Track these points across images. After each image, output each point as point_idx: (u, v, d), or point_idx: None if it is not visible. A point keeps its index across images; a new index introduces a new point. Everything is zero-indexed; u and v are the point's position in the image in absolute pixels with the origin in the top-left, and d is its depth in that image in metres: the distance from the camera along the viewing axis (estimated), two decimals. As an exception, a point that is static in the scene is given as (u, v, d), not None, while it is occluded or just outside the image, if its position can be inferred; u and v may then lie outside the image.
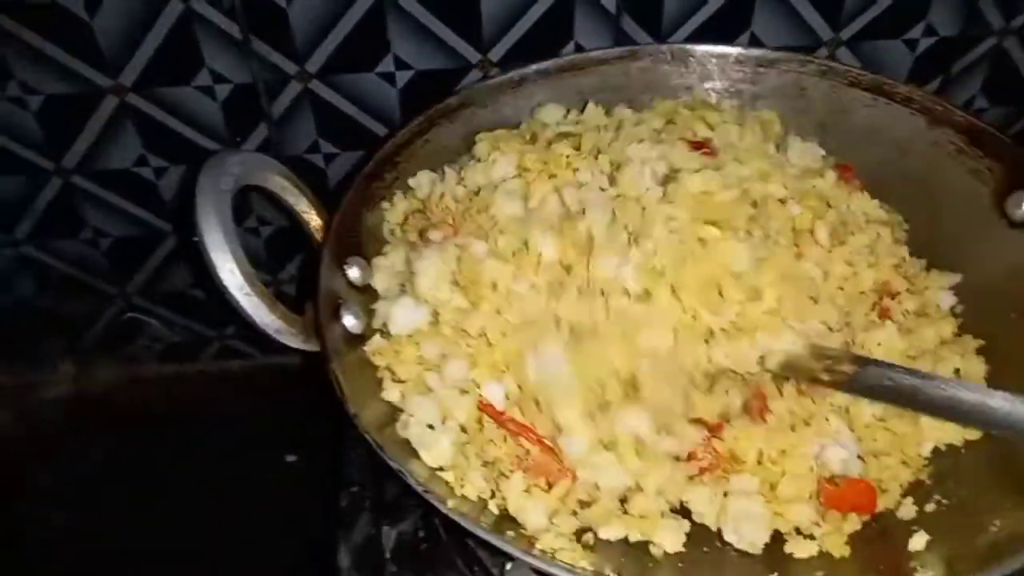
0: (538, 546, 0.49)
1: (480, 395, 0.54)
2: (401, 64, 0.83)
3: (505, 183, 0.63)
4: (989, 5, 0.84)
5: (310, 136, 0.88)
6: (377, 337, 0.58)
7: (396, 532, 0.66)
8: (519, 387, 0.55)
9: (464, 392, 0.55)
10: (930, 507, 0.56)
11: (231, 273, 0.49)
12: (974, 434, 0.59)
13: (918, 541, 0.53)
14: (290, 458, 0.99)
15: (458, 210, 0.62)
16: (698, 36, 0.84)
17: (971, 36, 0.87)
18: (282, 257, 0.99)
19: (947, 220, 0.69)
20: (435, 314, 0.58)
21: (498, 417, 0.53)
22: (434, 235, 0.61)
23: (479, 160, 0.68)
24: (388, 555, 0.65)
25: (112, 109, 0.83)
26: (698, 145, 0.67)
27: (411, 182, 0.68)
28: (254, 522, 0.93)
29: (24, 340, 0.99)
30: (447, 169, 0.68)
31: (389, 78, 0.84)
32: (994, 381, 0.61)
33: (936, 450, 0.59)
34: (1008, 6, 0.84)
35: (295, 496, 0.92)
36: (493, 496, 0.52)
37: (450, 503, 0.48)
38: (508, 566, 0.59)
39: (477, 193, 0.63)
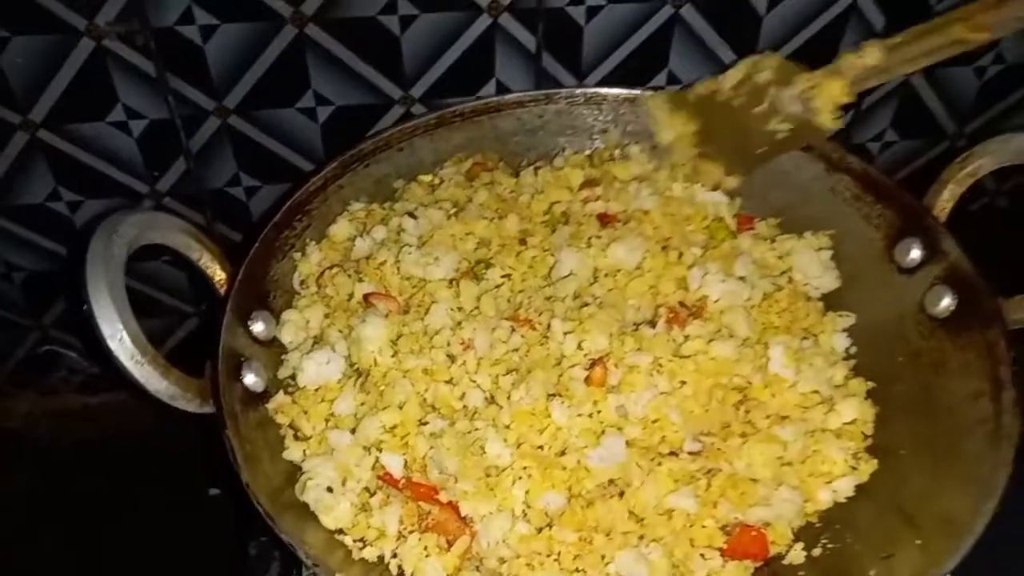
0: None
1: (380, 463, 0.55)
2: (321, 100, 0.83)
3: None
4: (897, 45, 0.87)
5: (231, 170, 0.88)
6: (280, 394, 0.58)
7: (309, 576, 0.66)
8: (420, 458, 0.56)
9: (367, 451, 0.55)
10: (817, 551, 0.57)
11: (120, 343, 0.48)
12: (864, 478, 0.61)
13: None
14: (213, 491, 0.98)
15: (401, 286, 0.63)
16: (617, 74, 0.86)
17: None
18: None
19: (844, 263, 0.71)
20: (353, 371, 0.59)
21: (396, 485, 0.54)
22: (379, 303, 0.62)
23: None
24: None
25: (22, 144, 0.81)
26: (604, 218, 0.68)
27: (330, 231, 0.68)
28: (176, 554, 0.92)
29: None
30: (379, 230, 0.68)
31: (310, 113, 0.84)
32: (883, 424, 0.63)
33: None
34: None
35: (216, 530, 0.92)
36: (395, 556, 0.53)
37: None
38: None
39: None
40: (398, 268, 0.65)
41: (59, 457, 1.02)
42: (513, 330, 0.59)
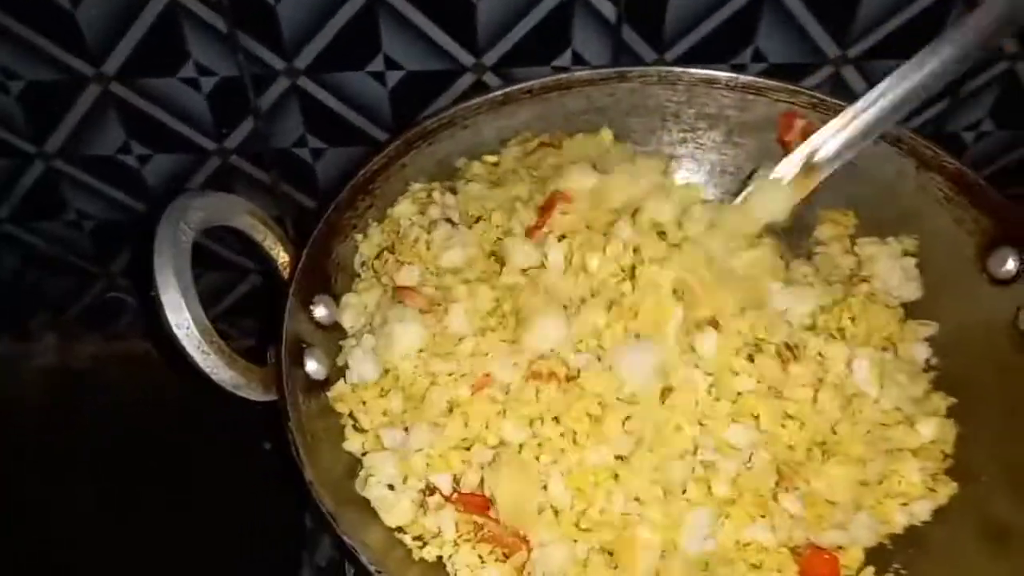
0: None
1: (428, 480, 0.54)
2: (392, 64, 0.81)
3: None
4: (1007, 28, 0.81)
5: (297, 131, 0.87)
6: (340, 383, 0.58)
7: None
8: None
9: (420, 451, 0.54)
10: (888, 576, 0.56)
11: (188, 332, 0.48)
12: (942, 500, 0.58)
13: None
14: (267, 445, 1.00)
15: (433, 285, 0.61)
16: (700, 49, 0.81)
17: (982, 59, 0.83)
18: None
19: (929, 268, 0.67)
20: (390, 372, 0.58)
21: (448, 498, 0.53)
22: (408, 300, 0.59)
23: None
24: (350, 577, 0.66)
25: (94, 97, 0.82)
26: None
27: (391, 211, 0.66)
28: (230, 507, 0.94)
29: (7, 314, 0.99)
30: (434, 209, 0.66)
31: (379, 77, 0.82)
32: (965, 444, 0.61)
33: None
34: (1021, 30, 0.81)
35: (269, 482, 0.93)
36: (450, 559, 0.53)
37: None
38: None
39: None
40: (428, 247, 0.63)
41: (125, 398, 1.04)
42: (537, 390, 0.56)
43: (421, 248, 0.62)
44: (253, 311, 1.02)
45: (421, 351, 0.58)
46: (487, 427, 0.54)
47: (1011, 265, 0.61)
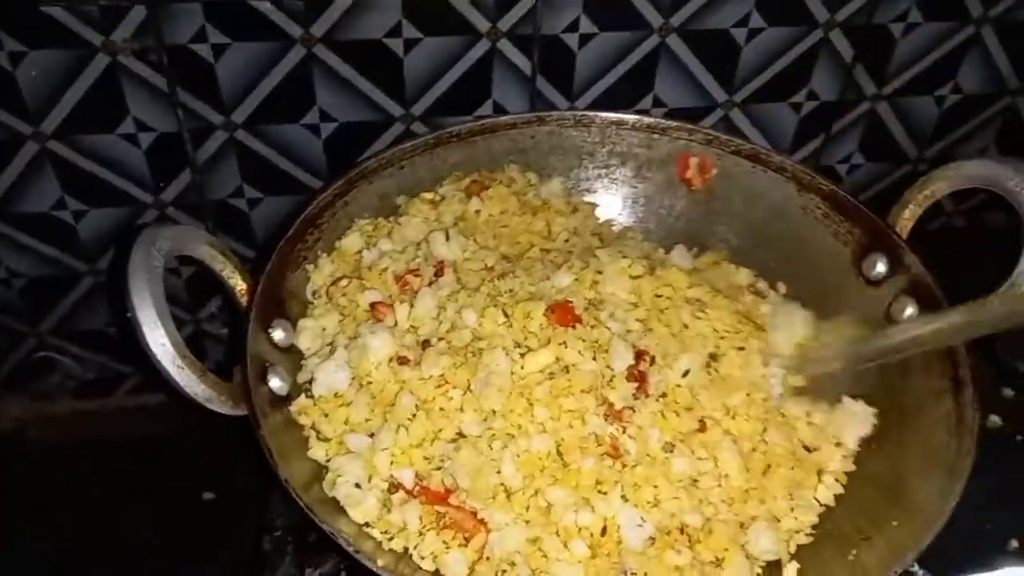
0: None
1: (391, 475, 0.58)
2: (326, 116, 0.87)
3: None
4: (863, 74, 0.94)
5: (234, 182, 0.90)
6: (303, 397, 0.62)
7: (319, 574, 0.69)
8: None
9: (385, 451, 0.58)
10: (802, 539, 0.62)
11: (163, 348, 0.51)
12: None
13: (790, 571, 0.60)
14: (207, 495, 1.00)
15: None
16: (606, 97, 0.91)
17: (848, 100, 0.96)
18: (201, 296, 1.00)
19: (815, 278, 0.76)
20: (360, 382, 0.62)
21: (410, 493, 0.58)
22: (384, 315, 0.65)
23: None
24: (311, 595, 0.68)
25: (31, 155, 0.83)
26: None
27: (340, 244, 0.71)
28: (171, 561, 0.93)
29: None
30: (385, 242, 0.72)
31: (314, 129, 0.87)
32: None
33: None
34: (879, 75, 0.94)
35: (213, 535, 0.93)
36: (416, 548, 0.56)
37: (380, 561, 0.52)
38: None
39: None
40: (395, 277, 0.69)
41: (49, 461, 1.02)
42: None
43: (387, 276, 0.68)
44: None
45: (391, 361, 0.62)
46: (448, 419, 0.59)
47: (881, 267, 0.72)
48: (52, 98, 0.80)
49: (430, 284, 0.67)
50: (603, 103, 0.90)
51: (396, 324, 0.65)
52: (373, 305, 0.66)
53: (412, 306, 0.66)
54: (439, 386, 0.60)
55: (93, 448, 1.02)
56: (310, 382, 0.63)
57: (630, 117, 0.82)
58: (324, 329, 0.66)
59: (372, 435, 0.60)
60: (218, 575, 0.87)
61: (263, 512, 0.71)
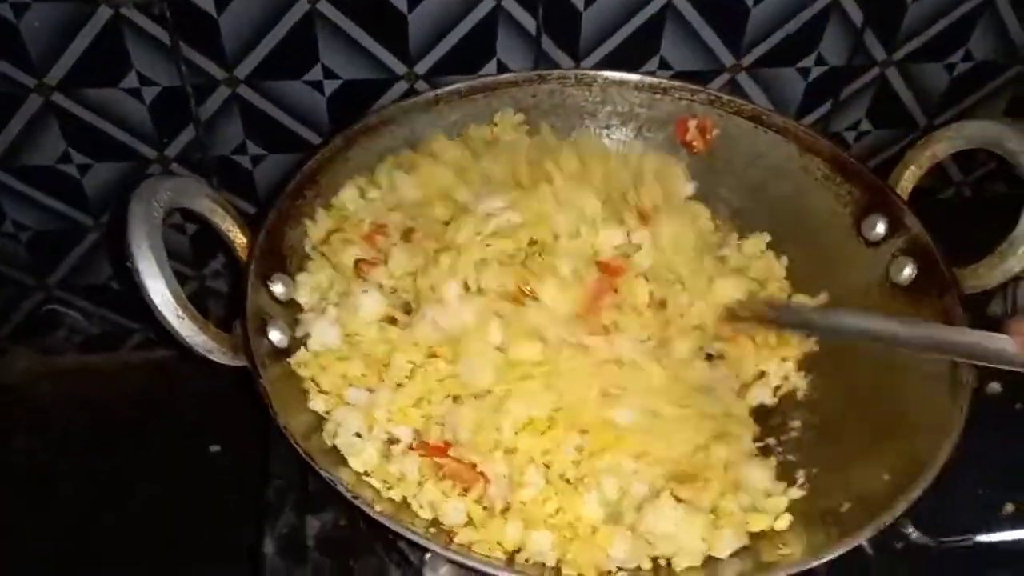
0: (456, 540, 0.55)
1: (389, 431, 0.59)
2: (329, 73, 0.86)
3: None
4: (872, 39, 0.93)
5: (237, 138, 0.90)
6: (302, 350, 0.62)
7: (319, 522, 0.71)
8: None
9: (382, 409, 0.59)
10: (796, 492, 0.63)
11: (164, 298, 0.52)
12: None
13: (783, 522, 0.61)
14: (213, 448, 1.02)
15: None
16: (612, 58, 0.90)
17: (857, 66, 0.95)
18: (206, 253, 1.01)
19: (815, 240, 0.76)
20: (351, 340, 0.63)
21: (410, 447, 0.59)
22: (369, 272, 0.65)
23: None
24: (311, 543, 0.69)
25: (36, 108, 0.84)
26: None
27: (335, 200, 0.71)
28: (177, 511, 0.95)
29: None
30: (372, 192, 0.71)
31: (317, 86, 0.87)
32: (851, 382, 0.69)
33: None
34: (889, 41, 0.93)
35: (217, 486, 0.95)
36: (415, 497, 0.58)
37: (377, 507, 0.53)
38: (427, 555, 0.63)
39: None
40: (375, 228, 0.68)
41: (56, 414, 1.04)
42: None
43: (363, 230, 0.68)
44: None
45: (380, 320, 0.63)
46: (442, 384, 0.60)
47: (880, 228, 0.71)
48: (56, 50, 0.80)
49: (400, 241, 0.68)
50: (609, 65, 0.90)
51: (382, 285, 0.66)
52: (357, 263, 0.66)
53: (386, 264, 0.66)
54: (431, 355, 0.61)
55: (100, 402, 1.04)
56: (307, 337, 0.63)
57: (632, 77, 0.81)
58: (319, 284, 0.66)
59: (369, 390, 0.60)
60: (223, 525, 0.89)
61: (265, 463, 0.73)
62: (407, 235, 0.68)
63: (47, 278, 1.00)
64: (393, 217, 0.68)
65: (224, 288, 1.04)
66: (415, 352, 0.61)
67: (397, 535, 0.64)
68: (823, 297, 0.74)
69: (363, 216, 0.69)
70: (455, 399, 0.60)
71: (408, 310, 0.65)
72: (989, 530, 0.73)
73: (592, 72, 0.81)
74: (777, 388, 0.72)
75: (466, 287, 0.64)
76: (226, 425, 1.00)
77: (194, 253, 1.00)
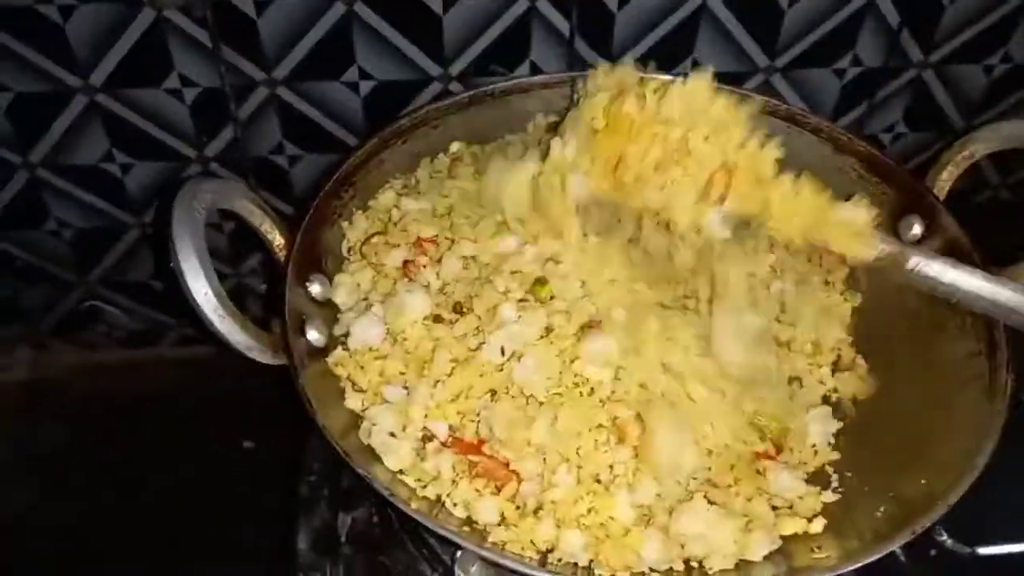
0: (490, 539, 0.56)
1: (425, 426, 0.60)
2: (365, 75, 0.87)
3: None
4: (909, 40, 0.92)
5: (275, 139, 0.92)
6: (339, 349, 0.64)
7: (351, 518, 0.72)
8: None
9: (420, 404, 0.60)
10: (829, 496, 0.63)
11: (206, 297, 0.53)
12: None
13: (817, 525, 0.61)
14: (247, 444, 1.03)
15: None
16: (646, 59, 0.90)
17: (893, 68, 0.94)
18: (243, 251, 1.03)
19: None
20: (395, 337, 0.64)
21: (443, 443, 0.60)
22: (414, 274, 0.67)
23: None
24: (344, 539, 0.71)
25: (81, 108, 0.86)
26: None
27: (372, 203, 0.73)
28: (212, 506, 0.97)
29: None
30: (406, 202, 0.73)
31: (353, 87, 0.88)
32: (888, 382, 0.70)
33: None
34: (926, 42, 0.92)
35: (252, 481, 0.97)
36: (449, 496, 0.58)
37: (413, 504, 0.54)
38: (459, 552, 0.64)
39: None
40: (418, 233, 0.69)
41: (98, 409, 1.06)
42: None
43: (411, 235, 0.69)
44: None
45: (425, 319, 0.64)
46: (482, 379, 0.61)
47: (917, 229, 0.71)
48: (100, 52, 0.82)
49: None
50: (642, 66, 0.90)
51: (429, 285, 0.66)
52: (405, 263, 0.67)
53: (439, 268, 0.67)
54: (473, 349, 0.62)
55: (138, 397, 1.06)
56: (346, 336, 0.64)
57: (663, 77, 0.81)
58: (359, 285, 0.67)
59: (406, 387, 0.61)
60: (257, 520, 0.90)
61: (300, 459, 0.74)
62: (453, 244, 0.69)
63: (88, 275, 1.02)
64: (442, 226, 0.70)
65: (260, 286, 1.06)
66: (458, 346, 0.62)
67: (429, 532, 0.66)
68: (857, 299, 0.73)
69: (409, 221, 0.70)
70: (493, 394, 0.61)
71: (457, 309, 0.65)
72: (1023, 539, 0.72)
73: (624, 73, 0.82)
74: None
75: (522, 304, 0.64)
76: (260, 421, 1.02)
77: (231, 251, 1.02)
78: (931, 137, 1.02)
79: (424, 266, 0.67)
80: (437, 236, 0.69)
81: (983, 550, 0.71)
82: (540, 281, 0.64)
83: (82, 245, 0.99)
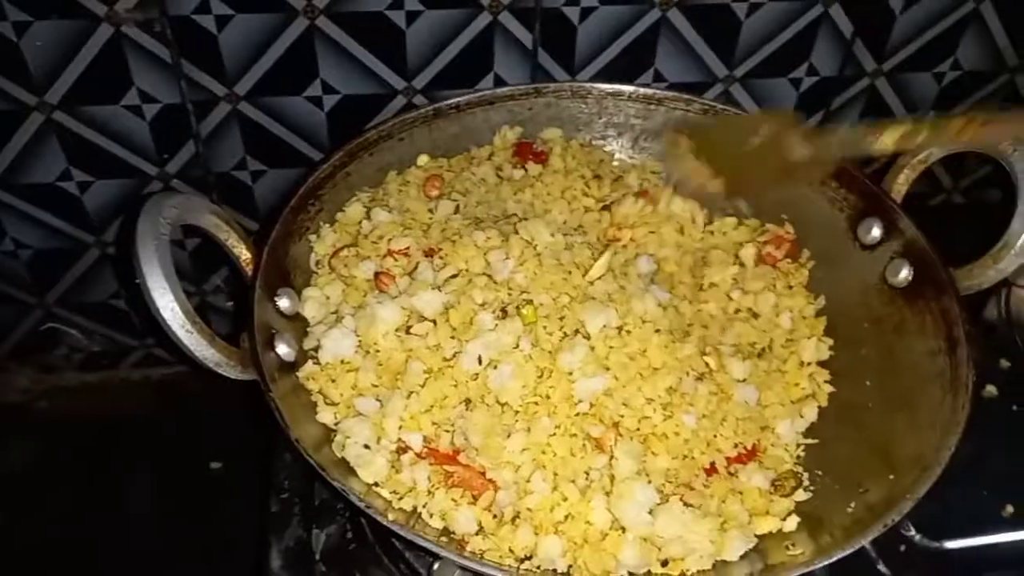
0: (468, 548, 0.56)
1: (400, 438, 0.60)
2: (328, 89, 0.87)
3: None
4: (862, 49, 0.94)
5: (238, 154, 0.91)
6: (310, 363, 0.63)
7: (325, 534, 0.71)
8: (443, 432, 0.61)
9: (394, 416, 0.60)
10: (801, 495, 0.64)
11: (173, 312, 0.52)
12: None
13: (790, 523, 0.62)
14: (214, 465, 1.01)
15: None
16: (607, 71, 0.91)
17: (848, 76, 0.97)
18: (207, 269, 1.01)
19: (813, 242, 0.78)
20: (367, 349, 0.63)
21: (420, 455, 0.59)
22: (389, 286, 0.66)
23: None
24: (318, 556, 0.69)
25: (37, 126, 0.84)
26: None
27: (340, 216, 0.72)
28: (180, 528, 0.95)
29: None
30: (380, 212, 0.72)
31: (316, 101, 0.88)
32: (852, 382, 0.70)
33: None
34: (878, 51, 0.95)
35: (220, 502, 0.95)
36: (425, 507, 0.58)
37: (390, 516, 0.54)
38: (435, 565, 0.63)
39: None
40: (390, 244, 0.69)
41: (59, 432, 1.04)
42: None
43: (382, 247, 0.69)
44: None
45: (397, 330, 0.64)
46: (456, 388, 0.61)
47: (876, 232, 0.73)
48: (57, 69, 0.81)
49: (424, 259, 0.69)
50: (604, 77, 0.91)
51: (399, 295, 0.66)
52: (377, 275, 0.67)
53: (411, 280, 0.67)
54: (447, 359, 0.62)
55: (100, 420, 1.04)
56: (316, 349, 0.64)
57: (627, 88, 0.82)
58: (328, 298, 0.67)
59: (379, 399, 0.61)
60: (226, 541, 0.89)
61: (270, 476, 0.73)
62: (429, 253, 0.69)
63: (47, 296, 1.00)
64: (414, 236, 0.70)
65: (224, 304, 1.04)
66: (432, 357, 0.62)
67: (405, 545, 0.65)
68: (820, 303, 0.75)
69: (379, 234, 0.70)
70: (468, 404, 0.61)
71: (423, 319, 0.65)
72: (990, 532, 0.74)
73: (588, 84, 0.83)
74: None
75: (502, 313, 0.65)
76: (226, 442, 1.00)
77: (195, 269, 1.00)
78: (885, 143, 1.05)
79: (396, 276, 0.67)
80: (409, 248, 0.69)
81: (950, 544, 0.72)
82: (525, 304, 0.64)
83: (40, 266, 0.97)
